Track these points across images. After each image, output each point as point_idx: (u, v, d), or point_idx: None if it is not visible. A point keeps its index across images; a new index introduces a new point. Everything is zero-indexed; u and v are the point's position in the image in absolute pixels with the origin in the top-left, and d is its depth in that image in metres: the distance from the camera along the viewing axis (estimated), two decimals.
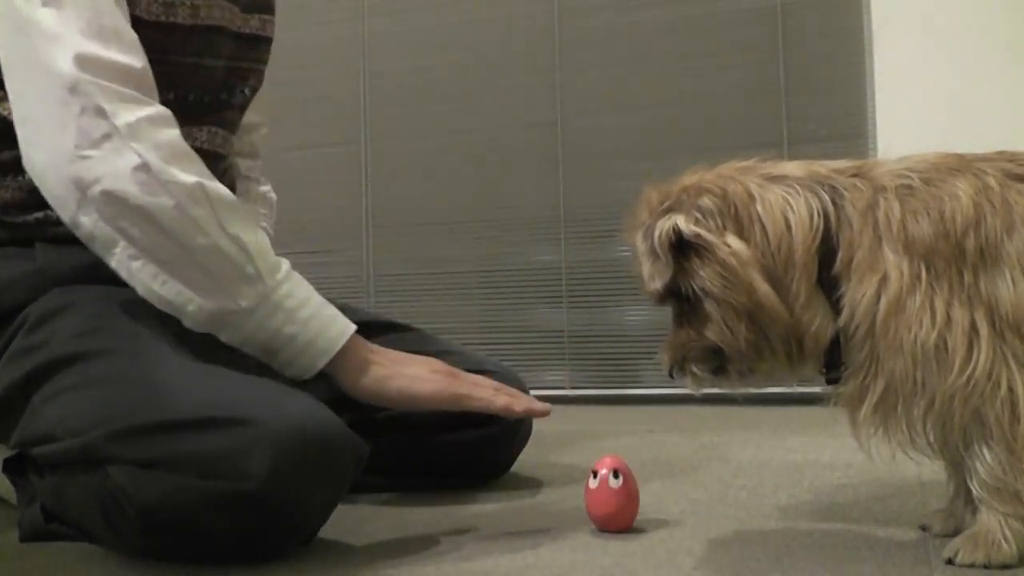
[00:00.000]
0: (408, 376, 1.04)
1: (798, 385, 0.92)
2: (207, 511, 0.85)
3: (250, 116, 1.33)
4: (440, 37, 2.71)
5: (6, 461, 1.05)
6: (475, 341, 2.48)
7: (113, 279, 1.09)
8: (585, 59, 2.59)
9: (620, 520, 1.00)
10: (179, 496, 0.85)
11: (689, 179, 0.90)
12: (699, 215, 0.87)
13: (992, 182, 0.83)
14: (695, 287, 0.87)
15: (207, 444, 0.86)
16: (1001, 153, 0.86)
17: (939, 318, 0.80)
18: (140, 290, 0.97)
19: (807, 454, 1.46)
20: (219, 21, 1.17)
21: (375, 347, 1.04)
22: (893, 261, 0.82)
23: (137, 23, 1.05)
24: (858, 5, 2.35)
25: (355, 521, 1.08)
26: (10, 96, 1.01)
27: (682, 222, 0.86)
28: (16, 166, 1.08)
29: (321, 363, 0.99)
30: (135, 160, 0.93)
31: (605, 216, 2.49)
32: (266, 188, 1.43)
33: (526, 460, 1.32)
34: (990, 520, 0.82)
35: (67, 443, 0.93)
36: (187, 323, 0.98)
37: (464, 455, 1.23)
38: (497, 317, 2.61)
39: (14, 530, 1.04)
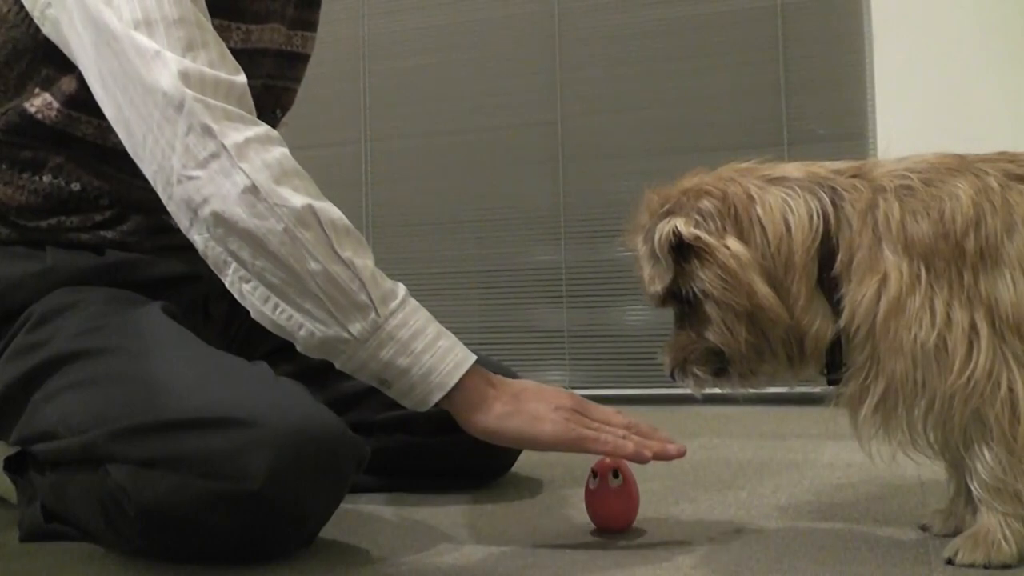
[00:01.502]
0: (527, 415, 0.96)
1: (798, 385, 0.93)
2: (207, 511, 0.85)
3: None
4: (440, 37, 2.71)
5: (7, 459, 1.05)
6: (475, 341, 2.48)
7: (120, 282, 1.09)
8: (585, 59, 2.59)
9: (620, 520, 1.00)
10: (179, 495, 0.85)
11: (689, 181, 0.90)
12: (699, 217, 0.87)
13: (993, 182, 0.83)
14: (695, 289, 0.87)
15: (208, 444, 0.85)
16: (1002, 154, 0.86)
17: (939, 318, 0.80)
18: (252, 313, 0.93)
19: (807, 454, 1.46)
20: (268, 44, 1.16)
21: (496, 379, 0.98)
22: (893, 262, 0.82)
23: None
24: (858, 5, 2.35)
25: (355, 521, 1.08)
26: (110, 112, 0.97)
27: (682, 224, 0.86)
28: (33, 165, 1.08)
29: (435, 398, 0.94)
30: (243, 181, 0.89)
31: (605, 216, 2.49)
32: None
33: (526, 460, 1.32)
34: (990, 520, 0.82)
35: (68, 441, 0.93)
36: (299, 348, 0.94)
37: (465, 456, 1.23)
38: (497, 317, 2.61)
39: (14, 530, 1.04)
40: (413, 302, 0.95)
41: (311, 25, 1.27)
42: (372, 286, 0.92)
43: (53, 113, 1.06)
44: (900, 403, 0.83)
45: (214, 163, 0.89)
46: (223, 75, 0.93)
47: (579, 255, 2.56)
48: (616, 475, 0.99)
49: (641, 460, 0.96)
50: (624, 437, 0.97)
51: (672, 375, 0.92)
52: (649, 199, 0.91)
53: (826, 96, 2.39)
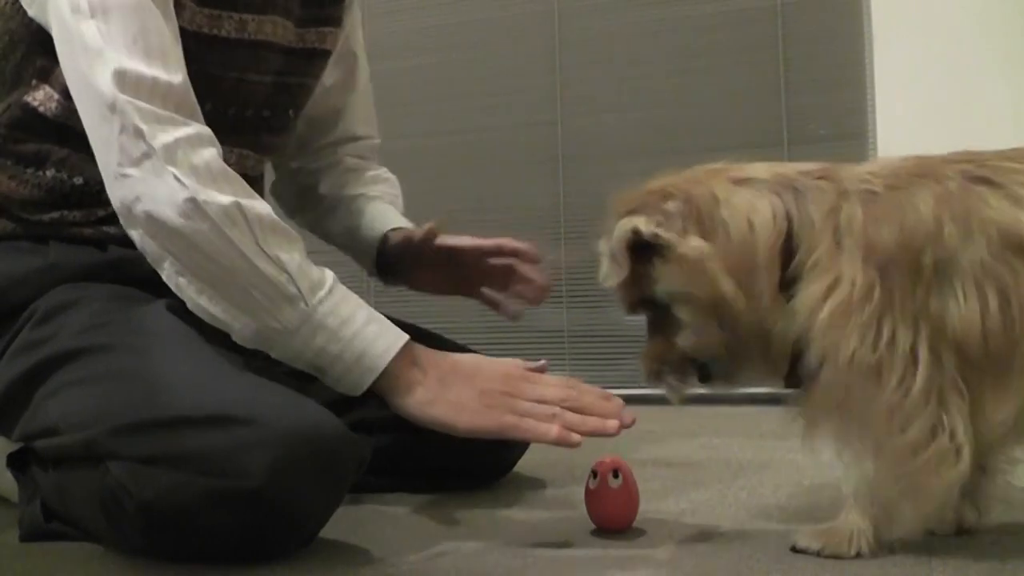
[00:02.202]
0: (448, 403, 0.97)
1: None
2: (207, 509, 0.85)
3: (352, 127, 1.39)
4: (440, 37, 2.72)
5: (10, 456, 1.05)
6: (475, 341, 2.47)
7: (123, 279, 1.09)
8: (585, 59, 2.59)
9: (620, 520, 1.00)
10: (179, 493, 0.85)
11: (655, 183, 0.91)
12: (661, 218, 0.87)
13: (953, 187, 0.82)
14: (660, 291, 0.88)
15: (208, 442, 0.86)
16: (964, 153, 0.86)
17: (884, 339, 0.80)
18: (188, 305, 0.97)
19: (807, 454, 1.45)
20: (269, 36, 1.16)
21: (427, 361, 0.98)
22: (848, 267, 0.82)
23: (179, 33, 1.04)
24: (858, 5, 2.35)
25: (355, 521, 1.08)
26: (74, 99, 1.01)
27: (642, 223, 0.87)
28: (36, 159, 1.08)
29: (367, 382, 0.96)
30: (171, 182, 0.92)
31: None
32: (381, 170, 1.48)
33: (526, 460, 1.32)
34: (851, 519, 0.86)
35: (69, 437, 0.93)
36: (235, 339, 0.98)
37: (465, 456, 1.23)
38: (497, 317, 2.60)
39: (14, 530, 1.03)
40: (341, 289, 0.97)
41: (330, 20, 1.26)
42: (300, 277, 0.94)
43: (54, 105, 1.06)
44: (826, 410, 0.85)
45: (146, 163, 0.93)
46: (161, 76, 0.96)
47: (579, 255, 2.55)
48: (616, 475, 0.99)
49: (567, 445, 0.94)
50: (555, 416, 0.95)
51: (648, 382, 0.94)
52: (615, 201, 0.92)
53: (826, 96, 2.39)
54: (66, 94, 1.05)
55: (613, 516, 1.00)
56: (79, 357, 0.98)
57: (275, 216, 0.97)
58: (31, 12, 1.04)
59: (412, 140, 2.73)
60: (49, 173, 1.09)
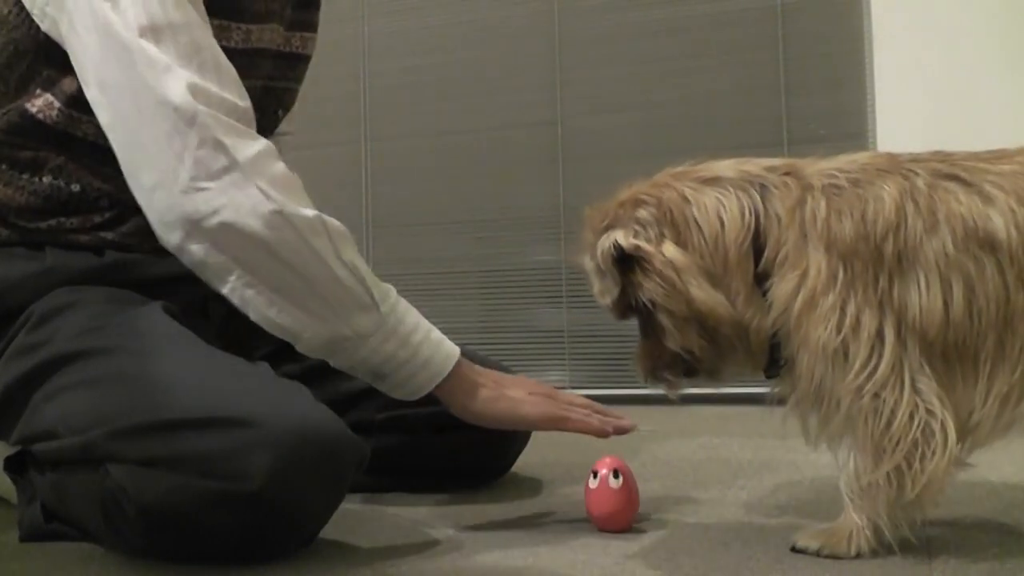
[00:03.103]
0: (511, 398, 1.07)
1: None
2: (207, 511, 0.85)
3: (288, 126, 1.34)
4: (440, 37, 2.71)
5: (7, 459, 1.05)
6: (475, 341, 2.48)
7: (120, 282, 1.09)
8: (585, 59, 2.59)
9: (620, 520, 1.00)
10: (179, 495, 0.85)
11: (625, 193, 0.93)
12: (637, 227, 0.90)
13: (920, 183, 0.84)
14: (643, 299, 0.90)
15: (208, 444, 0.85)
16: (936, 153, 0.88)
17: (848, 321, 0.82)
18: (253, 316, 0.98)
19: (807, 454, 1.44)
20: (267, 44, 1.17)
21: (479, 368, 1.07)
22: (814, 258, 0.84)
23: None
24: (858, 5, 2.35)
25: (355, 521, 1.08)
26: (107, 117, 0.99)
27: (621, 237, 0.90)
28: (33, 166, 1.08)
29: (431, 386, 1.02)
30: (257, 195, 0.93)
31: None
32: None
33: (526, 460, 1.32)
34: (850, 518, 0.86)
35: (68, 441, 0.93)
36: (300, 348, 0.99)
37: (464, 456, 1.23)
38: (497, 317, 2.61)
39: (14, 530, 1.03)
40: (404, 300, 1.02)
41: (310, 26, 1.27)
42: (373, 286, 0.98)
43: (54, 113, 1.06)
44: (809, 402, 0.86)
45: (227, 176, 0.93)
46: (225, 94, 0.97)
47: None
48: (616, 475, 1.00)
49: (603, 435, 1.07)
50: (588, 416, 1.08)
51: (645, 382, 0.96)
52: (590, 216, 0.94)
53: (826, 96, 2.39)
54: (69, 102, 1.05)
55: (613, 516, 1.00)
56: (76, 360, 0.98)
57: (346, 229, 0.99)
58: (44, 26, 1.03)
59: (412, 140, 2.73)
60: (46, 180, 1.09)
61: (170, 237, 0.97)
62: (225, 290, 0.98)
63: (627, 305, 0.93)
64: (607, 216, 0.92)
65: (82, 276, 1.08)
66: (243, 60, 1.12)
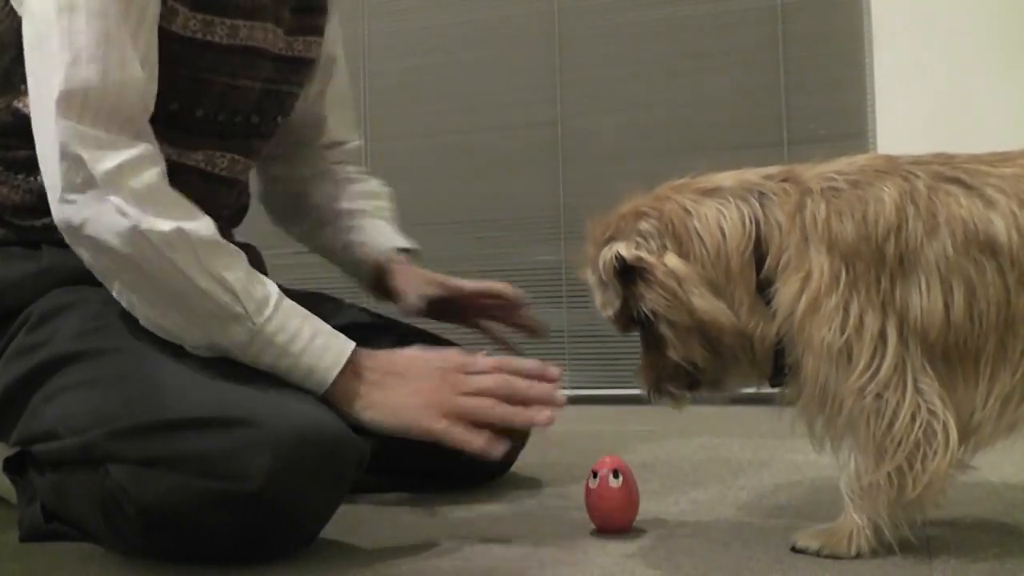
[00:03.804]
0: (382, 406, 0.98)
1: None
2: (207, 511, 0.85)
3: (335, 133, 1.37)
4: (440, 37, 2.71)
5: (6, 460, 1.05)
6: (475, 341, 2.48)
7: None
8: (585, 59, 2.59)
9: (620, 520, 1.00)
10: (179, 495, 0.85)
11: (626, 206, 0.93)
12: (640, 239, 0.90)
13: (920, 185, 0.85)
14: (645, 311, 0.90)
15: (208, 444, 0.86)
16: (938, 155, 0.88)
17: (851, 321, 0.82)
18: (141, 320, 0.98)
19: (807, 454, 1.45)
20: (260, 43, 1.16)
21: (370, 365, 1.00)
22: (816, 260, 0.84)
23: (171, 38, 1.04)
24: (858, 5, 2.35)
25: (355, 521, 1.08)
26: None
27: (623, 248, 0.90)
28: (28, 165, 1.08)
29: (319, 392, 0.98)
30: (112, 211, 0.92)
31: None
32: (374, 183, 1.45)
33: (526, 460, 1.32)
34: (851, 519, 0.86)
35: (67, 441, 0.93)
36: (188, 350, 0.98)
37: (464, 456, 1.23)
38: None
39: (14, 530, 1.03)
40: (287, 304, 0.97)
41: (314, 30, 1.26)
42: (245, 297, 0.95)
43: None
44: (815, 404, 0.86)
45: (88, 191, 0.93)
46: (110, 93, 0.95)
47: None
48: (616, 475, 0.99)
49: (488, 457, 0.97)
50: (492, 407, 0.98)
51: (649, 396, 0.96)
52: (592, 229, 0.95)
53: (826, 96, 2.39)
54: None
55: (613, 516, 1.00)
56: (76, 361, 0.98)
57: (218, 235, 0.97)
58: (20, 11, 1.03)
59: (412, 140, 2.73)
60: (41, 179, 1.09)
61: (66, 240, 0.97)
62: (113, 293, 0.98)
63: (629, 317, 0.93)
64: (608, 228, 0.93)
65: (79, 276, 1.08)
66: (237, 58, 1.12)
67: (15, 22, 1.03)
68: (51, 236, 1.10)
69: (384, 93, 2.77)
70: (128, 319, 1.02)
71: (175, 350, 0.97)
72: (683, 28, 2.50)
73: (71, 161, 0.92)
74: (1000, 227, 0.82)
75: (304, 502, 0.89)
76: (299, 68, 1.25)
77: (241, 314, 0.94)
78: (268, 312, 0.96)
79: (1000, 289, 0.82)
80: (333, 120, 1.40)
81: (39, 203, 1.09)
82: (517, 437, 1.29)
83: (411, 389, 0.99)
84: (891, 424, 0.82)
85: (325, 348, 0.97)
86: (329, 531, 0.96)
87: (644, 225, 0.90)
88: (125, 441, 0.88)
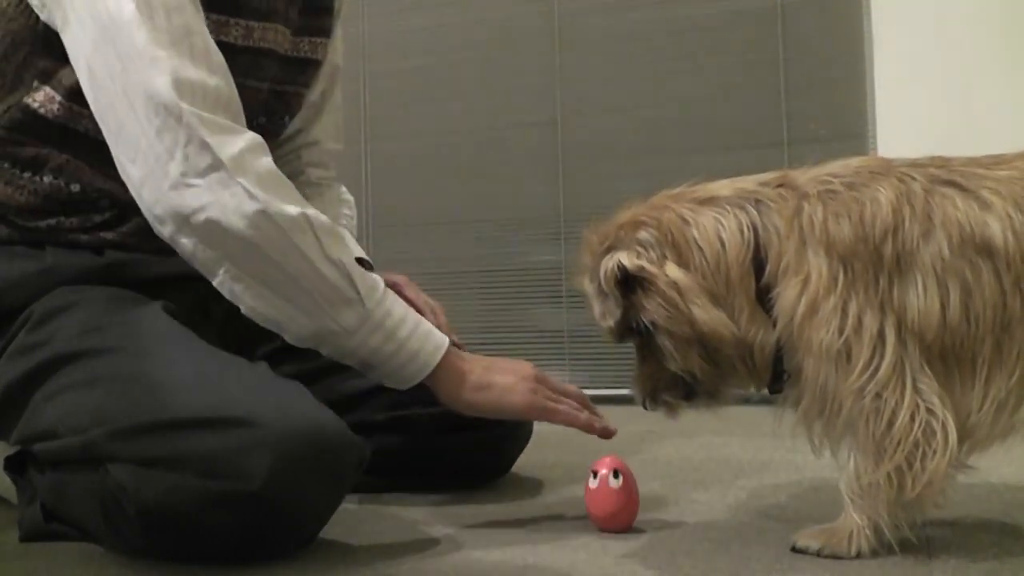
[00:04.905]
0: (499, 387, 1.06)
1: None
2: (207, 510, 0.85)
3: (317, 134, 1.35)
4: (440, 37, 2.71)
5: (7, 459, 1.05)
6: (475, 341, 2.48)
7: (119, 282, 1.09)
8: (585, 59, 2.59)
9: (620, 520, 1.00)
10: (179, 495, 0.85)
11: (624, 216, 0.93)
12: (640, 248, 0.90)
13: (917, 187, 0.85)
14: (644, 321, 0.90)
15: (208, 444, 0.86)
16: (934, 158, 0.88)
17: (850, 322, 0.83)
18: (243, 309, 0.99)
19: (807, 454, 1.45)
20: (270, 44, 1.16)
21: (468, 356, 1.07)
22: (814, 262, 0.84)
23: None
24: (858, 5, 2.35)
25: (355, 521, 1.08)
26: (96, 106, 0.99)
27: (624, 258, 0.90)
28: (34, 164, 1.08)
29: (420, 377, 1.02)
30: (241, 194, 0.93)
31: (605, 216, 2.49)
32: (342, 190, 1.43)
33: (526, 460, 1.32)
34: (850, 519, 0.86)
35: (68, 440, 0.93)
36: (288, 339, 1.00)
37: (464, 456, 1.23)
38: (497, 317, 2.61)
39: (14, 530, 1.04)
40: (392, 293, 1.02)
41: (321, 31, 1.26)
42: (359, 281, 0.98)
43: (55, 107, 1.06)
44: (815, 407, 0.86)
45: (213, 175, 0.94)
46: (213, 82, 0.97)
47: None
48: (616, 475, 1.00)
49: (591, 431, 1.08)
50: (578, 409, 1.08)
51: (644, 405, 0.96)
52: (588, 239, 0.95)
53: (826, 96, 2.39)
54: (69, 96, 1.05)
55: (613, 516, 1.00)
56: (77, 360, 0.98)
57: (333, 224, 1.00)
58: (43, 16, 1.03)
59: (412, 140, 2.73)
60: (46, 179, 1.09)
61: (162, 229, 0.98)
62: (215, 282, 0.98)
63: (627, 327, 0.93)
64: (607, 238, 0.93)
65: (82, 276, 1.08)
66: (246, 59, 1.12)
67: (30, 19, 1.03)
68: (55, 237, 1.10)
69: (383, 93, 2.77)
70: (129, 319, 1.02)
71: (176, 350, 0.97)
72: (683, 28, 2.50)
73: (196, 145, 0.93)
74: (996, 229, 0.82)
75: (304, 502, 0.89)
76: (305, 69, 1.25)
77: (354, 299, 0.98)
78: (378, 296, 1.00)
79: (996, 291, 0.82)
80: (320, 122, 1.39)
81: (43, 204, 1.09)
82: (518, 439, 1.29)
83: (517, 377, 1.07)
84: (890, 424, 0.82)
85: (429, 333, 1.03)
86: (329, 531, 0.96)
87: (643, 235, 0.90)
88: (125, 440, 0.88)
